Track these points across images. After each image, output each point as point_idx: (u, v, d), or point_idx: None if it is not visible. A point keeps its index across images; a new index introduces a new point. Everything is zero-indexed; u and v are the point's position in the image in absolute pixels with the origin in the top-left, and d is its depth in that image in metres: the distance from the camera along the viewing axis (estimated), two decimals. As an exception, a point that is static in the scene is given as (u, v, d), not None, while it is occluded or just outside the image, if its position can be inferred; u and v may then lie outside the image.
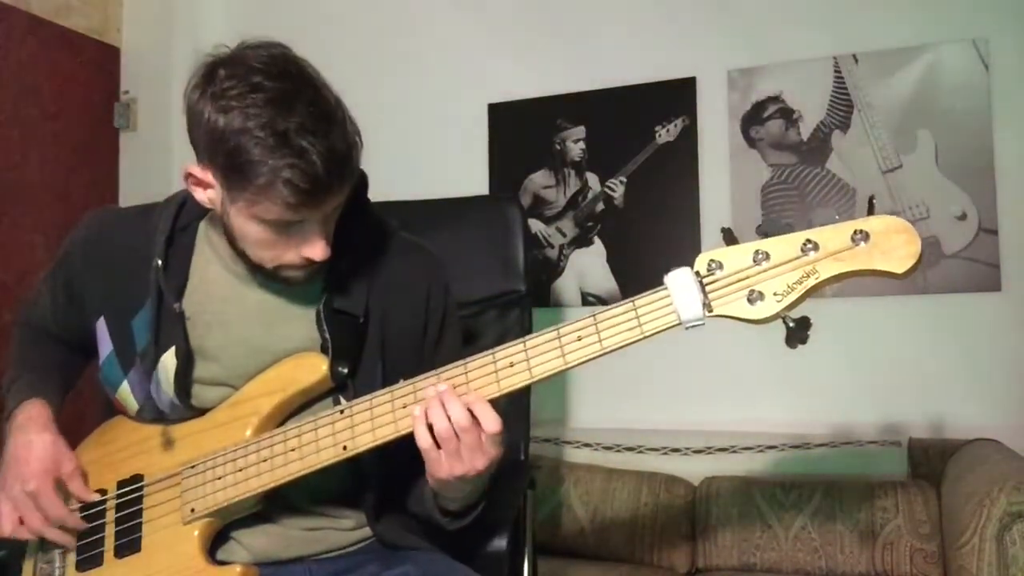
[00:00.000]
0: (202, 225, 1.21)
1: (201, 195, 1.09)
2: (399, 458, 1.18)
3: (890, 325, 2.52)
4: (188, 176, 1.09)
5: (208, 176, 1.06)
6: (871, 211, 0.98)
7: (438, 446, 1.03)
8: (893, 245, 0.95)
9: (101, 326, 1.20)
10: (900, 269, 0.95)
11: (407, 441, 1.12)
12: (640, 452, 2.54)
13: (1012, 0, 2.47)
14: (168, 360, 1.13)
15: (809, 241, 0.97)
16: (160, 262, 1.14)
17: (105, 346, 1.19)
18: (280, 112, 0.98)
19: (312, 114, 0.99)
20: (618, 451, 2.54)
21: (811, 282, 0.96)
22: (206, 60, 1.04)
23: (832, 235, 0.97)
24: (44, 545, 1.20)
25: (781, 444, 2.43)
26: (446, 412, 1.02)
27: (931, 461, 2.26)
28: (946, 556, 2.04)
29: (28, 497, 1.13)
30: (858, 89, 2.58)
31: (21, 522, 1.14)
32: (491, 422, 1.02)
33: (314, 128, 0.98)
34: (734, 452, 2.46)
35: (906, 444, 2.32)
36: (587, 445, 2.59)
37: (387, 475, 1.20)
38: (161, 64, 3.25)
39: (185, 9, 3.27)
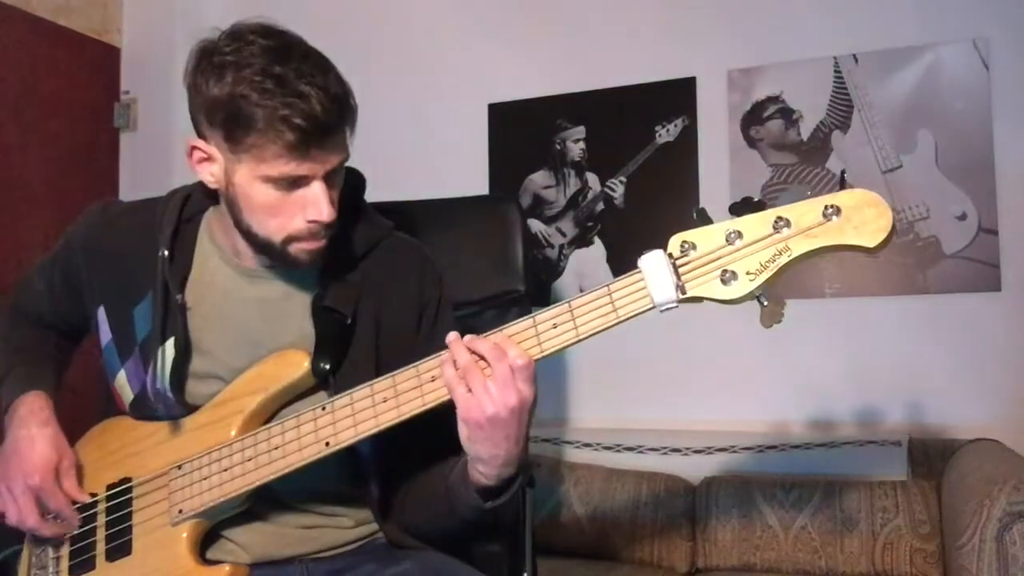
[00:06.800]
0: (205, 218, 1.22)
1: (205, 172, 1.10)
2: (399, 456, 1.18)
3: (890, 325, 2.52)
4: (192, 150, 1.09)
5: (211, 148, 1.07)
6: (843, 186, 0.97)
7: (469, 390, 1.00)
8: (864, 219, 0.94)
9: (101, 315, 1.21)
10: (872, 243, 0.94)
11: (406, 439, 1.12)
12: (640, 452, 2.53)
13: (1012, 0, 2.47)
14: (167, 350, 1.14)
15: (781, 218, 0.95)
16: (166, 252, 1.15)
17: (105, 335, 1.20)
18: (275, 60, 1.01)
19: (307, 61, 1.03)
20: (618, 451, 2.54)
21: (784, 259, 0.95)
22: (199, 45, 1.08)
23: (804, 211, 0.95)
24: (38, 551, 1.20)
25: (781, 444, 2.43)
26: (469, 348, 1.00)
27: (931, 461, 2.26)
28: (946, 556, 2.04)
29: (30, 491, 1.14)
30: (858, 89, 2.58)
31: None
32: (518, 354, 0.99)
33: (310, 72, 1.02)
34: (734, 452, 2.46)
35: (906, 444, 2.32)
36: (587, 445, 2.59)
37: (388, 474, 1.19)
38: (161, 64, 3.25)
39: (185, 9, 3.27)
